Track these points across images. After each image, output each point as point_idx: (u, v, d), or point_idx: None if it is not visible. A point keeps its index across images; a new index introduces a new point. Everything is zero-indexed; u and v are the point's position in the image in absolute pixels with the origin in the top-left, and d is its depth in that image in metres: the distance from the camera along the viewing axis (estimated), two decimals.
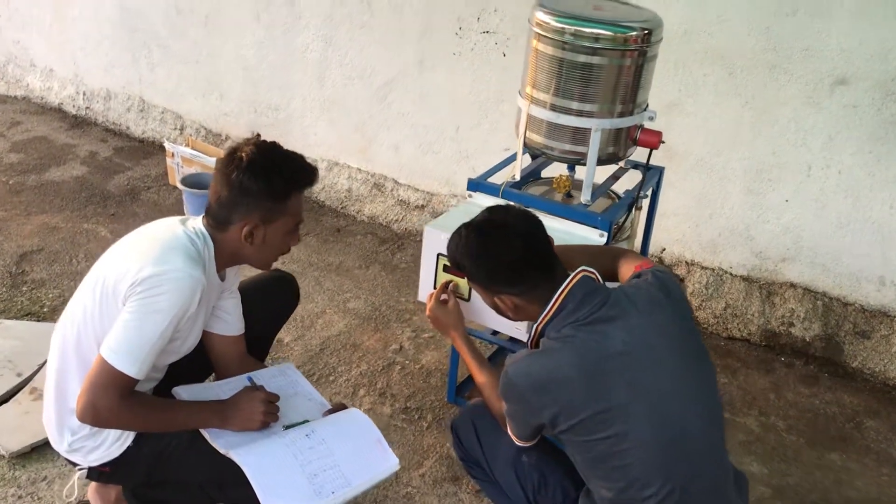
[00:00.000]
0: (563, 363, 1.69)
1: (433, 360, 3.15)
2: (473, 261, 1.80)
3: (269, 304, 2.32)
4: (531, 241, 1.80)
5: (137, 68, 4.88)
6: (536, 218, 1.85)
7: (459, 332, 2.21)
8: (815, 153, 3.16)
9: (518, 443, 1.86)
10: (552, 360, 1.70)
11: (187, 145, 4.47)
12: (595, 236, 2.35)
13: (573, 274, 1.78)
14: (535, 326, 1.80)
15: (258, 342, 2.31)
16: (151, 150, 4.90)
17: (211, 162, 4.23)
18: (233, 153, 1.89)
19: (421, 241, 4.09)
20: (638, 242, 2.79)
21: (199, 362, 2.15)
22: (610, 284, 1.85)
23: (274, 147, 1.93)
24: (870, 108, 3.00)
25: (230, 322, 2.13)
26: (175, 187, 4.41)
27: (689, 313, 1.82)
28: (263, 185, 1.86)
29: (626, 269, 2.00)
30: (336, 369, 3.06)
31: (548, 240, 1.83)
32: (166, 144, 4.40)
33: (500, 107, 3.74)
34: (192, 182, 4.05)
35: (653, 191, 2.78)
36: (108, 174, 4.57)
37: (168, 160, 4.41)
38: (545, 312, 1.77)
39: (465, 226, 1.84)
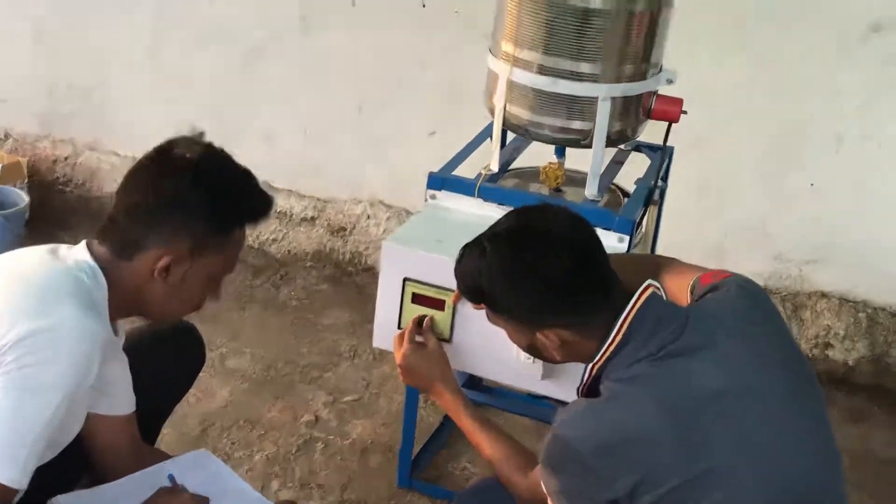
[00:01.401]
0: (641, 414, 1.69)
1: (367, 432, 3.13)
2: (510, 285, 1.78)
3: (164, 366, 2.25)
4: (585, 251, 1.80)
5: None
6: (584, 220, 1.85)
7: (449, 385, 2.18)
8: (847, 121, 3.34)
9: None
10: (625, 411, 1.70)
11: None
12: (612, 242, 2.38)
13: (640, 291, 1.79)
14: (590, 367, 1.80)
15: (150, 420, 2.24)
16: None
17: None
18: (166, 152, 1.82)
19: (312, 266, 4.15)
20: (649, 249, 2.86)
21: (71, 455, 2.03)
22: None
23: (228, 158, 1.90)
24: None
25: (118, 397, 2.06)
26: None
27: (789, 333, 1.87)
28: (209, 201, 1.81)
29: (679, 283, 2.03)
30: (231, 456, 2.98)
31: (604, 249, 1.84)
32: None
33: (422, 75, 3.75)
34: None
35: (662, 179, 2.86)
36: None
37: None
38: (606, 346, 1.77)
39: (489, 238, 1.83)
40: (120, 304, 1.89)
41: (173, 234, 1.83)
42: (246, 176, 1.91)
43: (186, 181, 1.80)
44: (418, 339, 2.24)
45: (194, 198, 1.81)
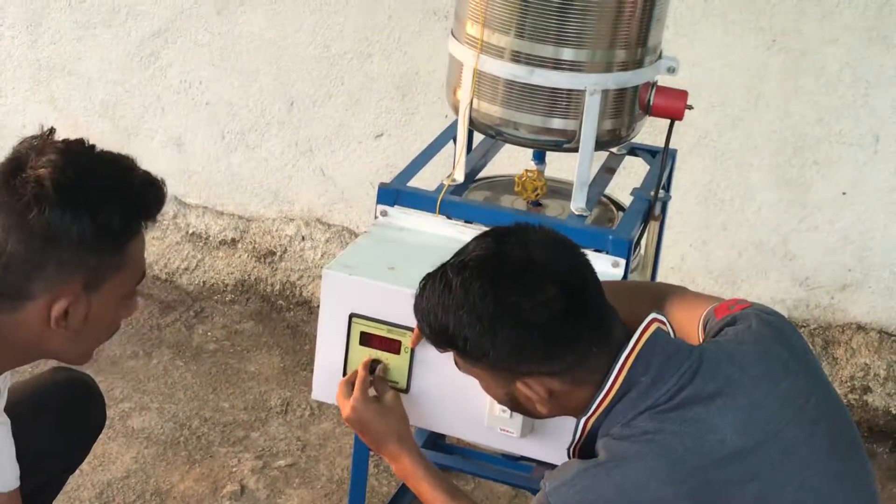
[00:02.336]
0: (648, 478, 1.70)
1: None
2: (485, 327, 1.79)
3: (56, 427, 2.27)
4: (575, 282, 1.81)
5: None
6: (571, 242, 1.86)
7: (406, 445, 2.17)
8: (884, 117, 3.40)
9: None
10: (630, 474, 1.71)
11: None
12: (605, 267, 2.40)
13: (642, 327, 1.80)
14: (583, 421, 1.81)
15: (38, 497, 2.25)
16: None
17: None
18: (17, 172, 1.79)
19: (234, 301, 4.15)
20: (648, 275, 2.88)
21: None
22: None
23: (91, 154, 1.86)
24: None
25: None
26: None
27: (825, 377, 1.89)
28: (89, 225, 1.78)
29: (688, 316, 2.05)
30: None
31: (597, 278, 1.85)
32: None
33: (364, 65, 3.78)
34: None
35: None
36: None
37: None
38: (602, 396, 1.78)
39: (455, 268, 1.82)
40: (6, 357, 1.89)
41: (58, 275, 1.81)
42: (120, 170, 1.85)
43: (54, 211, 1.76)
44: (372, 392, 2.24)
45: (69, 228, 1.77)
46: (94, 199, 1.79)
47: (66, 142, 1.85)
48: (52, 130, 1.90)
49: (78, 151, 1.84)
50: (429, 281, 1.87)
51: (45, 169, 1.78)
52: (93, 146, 1.87)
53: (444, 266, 1.86)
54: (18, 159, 1.82)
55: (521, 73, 2.43)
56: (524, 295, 1.78)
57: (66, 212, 1.77)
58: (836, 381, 3.59)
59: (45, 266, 1.80)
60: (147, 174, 1.89)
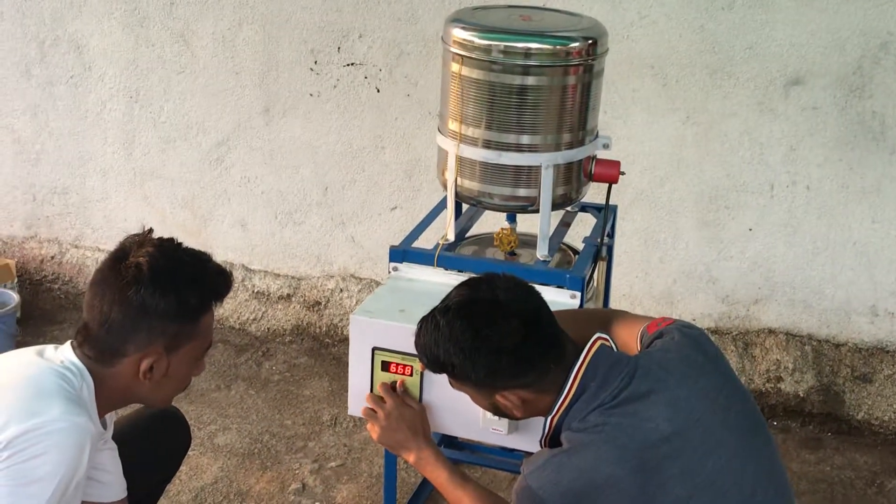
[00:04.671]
0: (600, 460, 1.71)
1: (351, 496, 3.10)
2: (466, 356, 1.80)
3: (153, 449, 2.26)
4: (533, 315, 1.83)
5: None
6: (528, 284, 1.88)
7: (430, 443, 2.17)
8: (776, 169, 3.41)
9: None
10: (586, 458, 1.72)
11: None
12: (565, 299, 2.40)
13: (589, 345, 1.82)
14: (549, 420, 1.82)
15: (145, 500, 2.27)
16: None
17: None
18: (121, 260, 1.83)
19: (291, 341, 4.14)
20: (601, 302, 2.88)
21: None
22: None
23: (178, 249, 1.91)
24: (832, 108, 3.29)
25: (109, 484, 2.05)
26: None
27: (734, 375, 1.90)
28: (174, 302, 1.83)
29: (628, 333, 2.06)
30: None
31: (549, 311, 1.87)
32: None
33: (379, 156, 3.79)
34: None
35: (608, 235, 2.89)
36: None
37: None
38: (561, 400, 1.79)
39: (441, 311, 1.85)
40: (107, 400, 1.92)
41: (147, 339, 1.85)
42: (199, 262, 1.91)
43: (148, 290, 1.81)
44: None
45: (158, 304, 1.82)
46: (179, 283, 1.85)
47: (160, 239, 1.91)
48: (150, 230, 1.95)
49: (168, 246, 1.90)
50: (423, 323, 1.89)
51: (144, 258, 1.84)
52: (180, 243, 1.93)
53: (433, 311, 1.88)
54: (124, 249, 1.88)
55: (491, 156, 2.46)
56: (494, 328, 1.79)
57: (156, 291, 1.82)
58: (755, 374, 3.57)
59: (137, 331, 1.84)
60: (220, 266, 1.96)
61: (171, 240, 1.91)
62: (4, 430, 1.70)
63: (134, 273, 1.82)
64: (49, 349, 1.91)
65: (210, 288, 1.90)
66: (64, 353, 1.88)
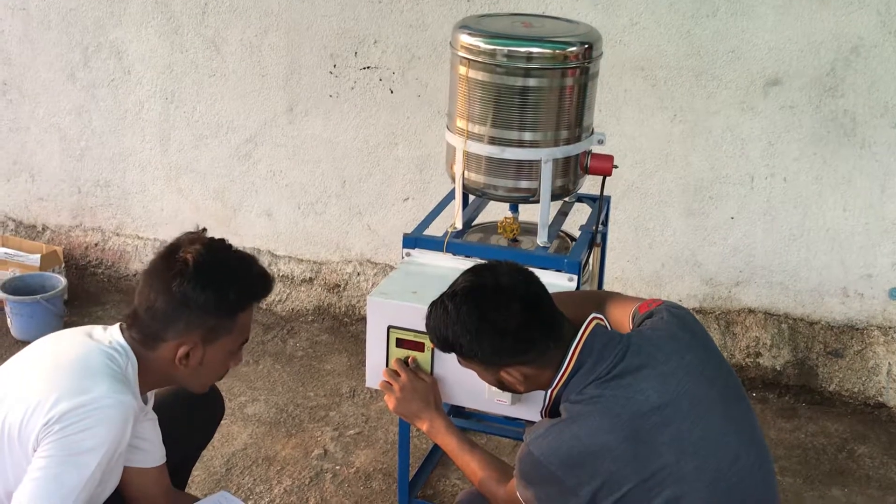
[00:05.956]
0: (596, 429, 1.71)
1: (369, 460, 3.10)
2: (472, 336, 1.80)
3: (190, 418, 2.26)
4: (533, 299, 1.82)
5: None
6: (528, 270, 1.88)
7: (441, 413, 2.18)
8: (756, 162, 3.39)
9: None
10: (583, 427, 1.72)
11: None
12: (563, 282, 2.40)
13: (585, 324, 1.81)
14: (549, 393, 1.82)
15: (178, 468, 2.25)
16: None
17: (33, 261, 4.02)
18: (173, 254, 1.83)
19: (314, 320, 4.14)
20: (596, 285, 2.87)
21: None
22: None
23: (226, 249, 1.90)
24: (807, 106, 3.27)
25: (149, 451, 2.05)
26: None
27: (716, 349, 1.89)
28: (212, 297, 1.82)
29: (621, 313, 2.05)
30: (254, 491, 2.95)
31: (548, 294, 1.86)
32: None
33: (393, 152, 3.78)
34: (16, 287, 3.82)
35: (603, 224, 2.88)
36: None
37: None
38: (560, 375, 1.79)
39: (449, 296, 1.85)
40: (149, 380, 1.92)
41: (186, 328, 1.84)
42: (244, 263, 1.90)
43: (190, 283, 1.81)
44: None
45: (198, 297, 1.82)
46: (220, 280, 1.84)
47: (211, 238, 1.90)
48: (204, 230, 1.94)
49: (217, 246, 1.89)
50: (432, 307, 1.89)
51: (191, 254, 1.83)
52: (230, 245, 1.92)
53: (441, 296, 1.87)
54: (177, 244, 1.88)
55: (496, 152, 2.45)
56: (497, 311, 1.79)
57: (197, 285, 1.82)
58: (735, 350, 3.57)
59: (178, 320, 1.84)
60: (264, 269, 1.94)
61: (221, 240, 1.90)
62: (56, 405, 1.71)
63: (180, 267, 1.82)
64: (98, 330, 1.91)
65: (249, 288, 1.89)
66: (112, 335, 1.89)
